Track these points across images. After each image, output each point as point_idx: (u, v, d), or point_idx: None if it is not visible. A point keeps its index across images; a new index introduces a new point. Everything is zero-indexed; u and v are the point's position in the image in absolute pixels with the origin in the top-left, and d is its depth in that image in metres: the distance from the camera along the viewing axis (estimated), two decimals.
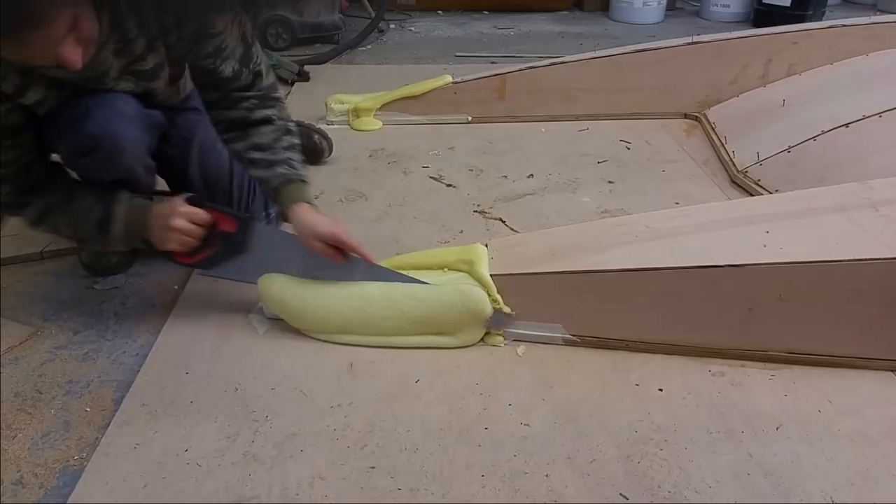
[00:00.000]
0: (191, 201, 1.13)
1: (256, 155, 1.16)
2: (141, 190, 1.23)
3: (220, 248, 1.17)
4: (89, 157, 1.09)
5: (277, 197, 1.14)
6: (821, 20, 3.27)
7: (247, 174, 1.21)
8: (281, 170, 1.14)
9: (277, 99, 1.20)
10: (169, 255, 1.16)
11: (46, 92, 1.04)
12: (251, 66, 1.16)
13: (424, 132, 2.11)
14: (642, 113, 2.19)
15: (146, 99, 1.16)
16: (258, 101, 1.18)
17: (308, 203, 1.13)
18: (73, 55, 0.89)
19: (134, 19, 1.02)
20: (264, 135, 1.17)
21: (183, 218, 1.11)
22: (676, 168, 1.86)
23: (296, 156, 1.17)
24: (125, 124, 1.09)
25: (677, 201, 1.66)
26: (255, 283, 1.18)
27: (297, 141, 1.20)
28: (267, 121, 1.18)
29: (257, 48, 1.18)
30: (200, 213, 1.13)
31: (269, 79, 1.21)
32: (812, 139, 1.65)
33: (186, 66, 1.17)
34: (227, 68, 1.14)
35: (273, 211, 1.43)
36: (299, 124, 1.82)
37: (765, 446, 0.94)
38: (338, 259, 1.12)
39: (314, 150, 1.83)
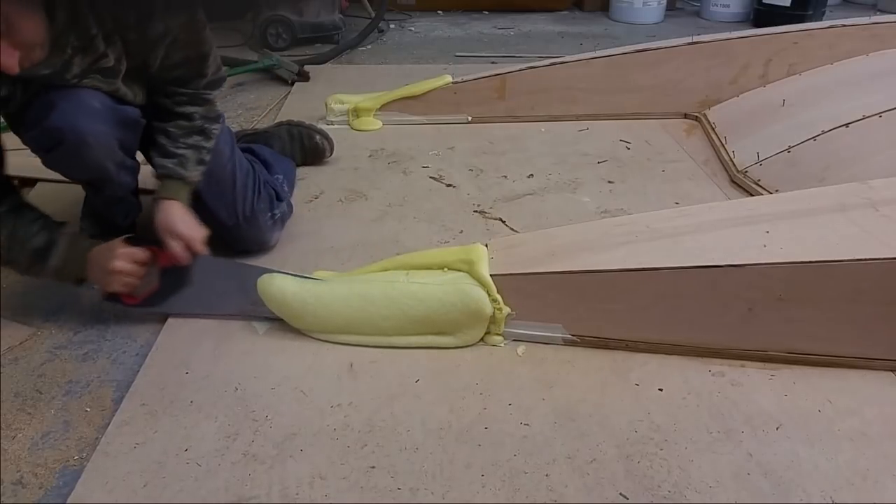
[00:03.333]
0: (129, 241, 1.15)
1: (161, 140, 1.20)
2: (117, 190, 1.23)
3: (164, 284, 1.19)
4: (55, 152, 1.09)
5: (158, 185, 1.19)
6: (821, 20, 3.27)
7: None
8: (169, 162, 1.18)
9: (208, 100, 1.22)
10: (115, 299, 1.18)
11: (12, 87, 1.04)
12: (197, 67, 1.18)
13: (424, 132, 2.11)
14: (642, 113, 2.19)
15: (123, 98, 1.16)
16: (187, 98, 1.20)
17: (179, 202, 1.17)
18: (8, 59, 0.89)
19: (92, 15, 1.02)
20: (177, 126, 1.20)
21: (123, 259, 1.12)
22: (676, 168, 1.86)
23: (193, 155, 1.20)
24: (90, 117, 1.08)
25: (677, 201, 1.66)
26: (205, 314, 1.21)
27: (206, 144, 1.22)
28: (186, 116, 1.20)
29: (210, 48, 1.19)
30: (140, 253, 1.15)
31: (212, 77, 1.21)
32: (812, 139, 1.65)
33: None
34: (174, 66, 1.15)
35: (279, 211, 1.42)
36: (301, 125, 1.83)
37: (765, 446, 0.94)
38: (182, 260, 1.16)
39: (316, 150, 1.83)
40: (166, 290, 1.19)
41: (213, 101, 1.23)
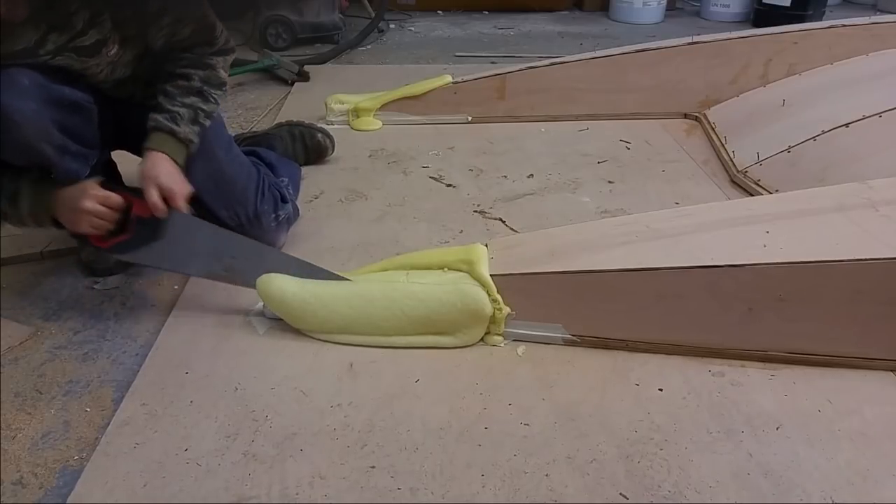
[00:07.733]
0: (104, 184, 1.13)
1: (160, 99, 1.19)
2: (64, 176, 1.17)
3: (136, 233, 1.17)
4: None
5: (148, 135, 1.18)
6: (821, 20, 3.27)
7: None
8: (161, 117, 1.17)
9: (210, 65, 1.22)
10: (84, 239, 1.16)
11: None
12: (206, 37, 1.19)
13: (424, 132, 2.11)
14: (642, 113, 2.19)
15: (93, 77, 1.14)
16: (187, 62, 1.20)
17: (166, 154, 1.16)
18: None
19: None
20: (175, 86, 1.20)
21: (93, 200, 1.11)
22: (676, 168, 1.86)
23: (188, 114, 1.19)
24: (18, 94, 1.02)
25: (677, 201, 1.66)
26: (172, 270, 1.19)
27: (203, 106, 1.21)
28: (185, 77, 1.20)
29: (215, 18, 1.19)
30: (113, 197, 1.13)
31: (217, 45, 1.21)
32: (812, 139, 1.65)
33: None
34: (182, 40, 1.17)
35: (283, 213, 1.41)
36: (301, 125, 1.83)
37: (765, 446, 0.94)
38: (158, 211, 1.14)
39: (318, 148, 1.84)
40: (138, 240, 1.17)
41: (215, 68, 1.22)
